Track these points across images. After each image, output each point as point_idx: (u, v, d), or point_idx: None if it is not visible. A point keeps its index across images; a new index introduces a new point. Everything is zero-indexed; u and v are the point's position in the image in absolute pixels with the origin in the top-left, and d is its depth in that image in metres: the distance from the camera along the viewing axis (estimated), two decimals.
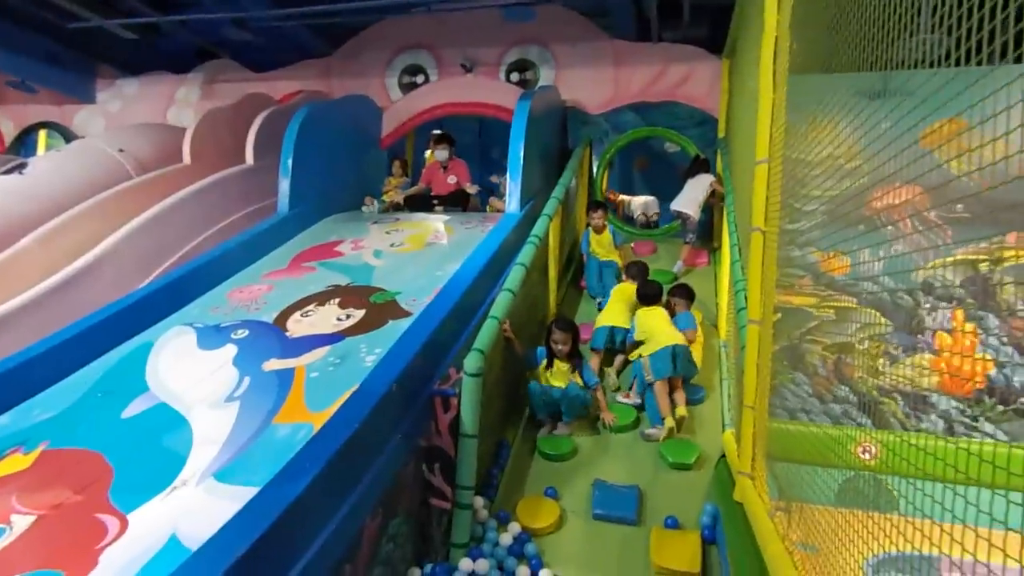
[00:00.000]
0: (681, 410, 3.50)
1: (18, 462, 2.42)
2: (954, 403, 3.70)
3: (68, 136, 7.85)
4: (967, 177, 1.06)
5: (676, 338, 3.66)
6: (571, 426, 3.52)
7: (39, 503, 2.15)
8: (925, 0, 1.15)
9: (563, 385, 3.46)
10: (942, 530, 1.02)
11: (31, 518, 2.09)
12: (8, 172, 4.83)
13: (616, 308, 4.18)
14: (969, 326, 3.95)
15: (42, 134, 8.27)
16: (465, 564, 2.60)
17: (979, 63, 0.94)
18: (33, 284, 3.92)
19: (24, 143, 8.23)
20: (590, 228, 5.16)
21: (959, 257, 3.92)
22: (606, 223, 5.16)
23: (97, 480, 2.27)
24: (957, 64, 1.01)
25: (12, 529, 2.05)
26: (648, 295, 3.94)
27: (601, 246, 5.14)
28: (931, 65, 1.18)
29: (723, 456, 3.04)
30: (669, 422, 3.41)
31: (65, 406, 2.81)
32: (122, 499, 2.16)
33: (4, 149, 8.02)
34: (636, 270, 4.46)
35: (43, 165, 5.05)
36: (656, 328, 3.73)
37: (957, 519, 1.00)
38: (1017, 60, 0.89)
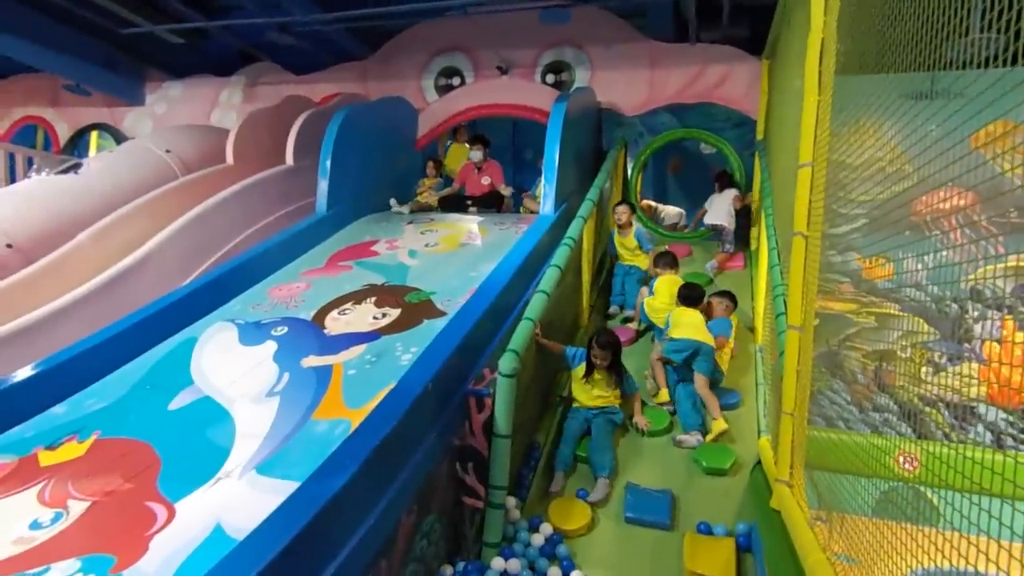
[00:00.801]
0: (720, 423, 3.43)
1: (74, 449, 2.54)
2: (1003, 415, 3.55)
3: (118, 137, 8.18)
4: (1018, 179, 1.03)
5: (701, 336, 3.69)
6: (608, 485, 3.10)
7: (93, 489, 2.26)
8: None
9: (603, 393, 3.41)
10: (999, 546, 0.99)
11: (86, 504, 2.19)
12: (64, 172, 5.06)
13: (667, 303, 4.15)
14: (1020, 335, 3.79)
15: (94, 135, 8.64)
16: (497, 563, 2.62)
17: None
18: (87, 280, 4.10)
19: (77, 144, 8.60)
20: (616, 229, 5.04)
21: (1011, 264, 3.76)
22: (632, 222, 4.96)
23: (146, 469, 2.37)
24: (1013, 64, 0.98)
25: (68, 514, 2.15)
26: (689, 297, 3.95)
27: (625, 248, 4.98)
28: (983, 65, 1.15)
29: (759, 462, 2.98)
30: (663, 395, 3.73)
31: (116, 397, 2.94)
32: (170, 488, 2.25)
33: (59, 150, 8.40)
34: (669, 259, 4.46)
35: (96, 165, 5.27)
36: (684, 322, 3.78)
37: (1017, 536, 0.97)
38: None
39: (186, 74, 8.02)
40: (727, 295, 4.16)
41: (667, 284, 4.26)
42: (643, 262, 4.88)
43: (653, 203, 7.08)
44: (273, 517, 1.87)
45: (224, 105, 7.86)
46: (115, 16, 6.20)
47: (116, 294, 4.12)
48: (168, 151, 5.64)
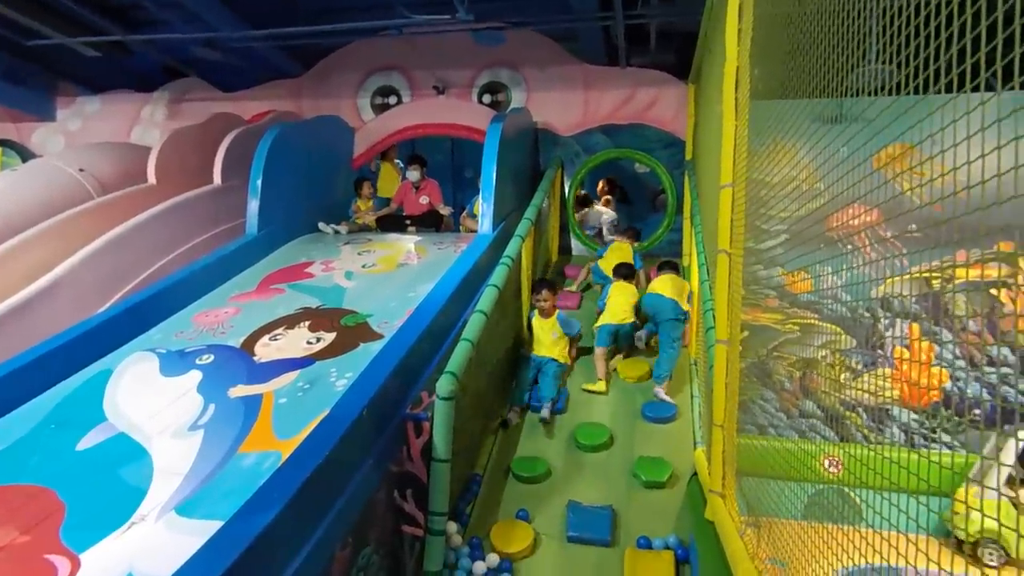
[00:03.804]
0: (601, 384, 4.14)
1: None
2: (913, 416, 3.81)
3: (25, 155, 7.60)
4: (916, 198, 1.12)
5: (621, 318, 4.32)
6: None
7: None
8: (874, 34, 1.22)
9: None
10: (908, 541, 1.05)
11: None
12: None
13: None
14: (925, 343, 4.09)
15: None
16: None
17: (918, 91, 1.00)
18: None
19: None
20: (535, 311, 4.22)
21: (913, 274, 4.06)
22: (555, 307, 4.17)
23: (47, 518, 2.16)
24: (905, 93, 1.07)
25: None
26: (623, 274, 4.64)
27: (544, 333, 4.07)
28: (876, 93, 1.25)
29: (695, 474, 3.06)
30: (600, 385, 4.11)
31: (15, 439, 2.68)
32: (74, 538, 2.06)
33: None
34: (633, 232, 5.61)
35: None
36: (614, 304, 4.37)
37: (922, 529, 1.03)
38: (972, 87, 0.94)
39: (104, 89, 7.57)
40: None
41: (617, 250, 5.16)
42: (561, 353, 4.06)
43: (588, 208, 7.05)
44: (192, 561, 1.74)
45: (146, 122, 7.48)
46: (19, 26, 5.78)
47: (22, 324, 3.78)
48: (82, 170, 5.28)
